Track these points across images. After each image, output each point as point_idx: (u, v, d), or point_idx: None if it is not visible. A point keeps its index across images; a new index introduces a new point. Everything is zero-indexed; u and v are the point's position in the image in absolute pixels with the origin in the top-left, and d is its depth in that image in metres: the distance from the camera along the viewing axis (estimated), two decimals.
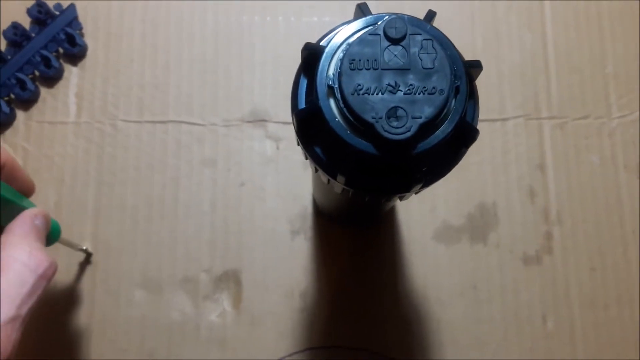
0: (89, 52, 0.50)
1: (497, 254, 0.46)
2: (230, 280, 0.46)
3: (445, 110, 0.22)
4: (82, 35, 0.50)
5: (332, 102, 0.23)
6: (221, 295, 0.46)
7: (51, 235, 0.38)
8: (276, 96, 0.49)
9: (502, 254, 0.46)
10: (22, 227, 0.33)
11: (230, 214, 0.47)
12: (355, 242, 0.47)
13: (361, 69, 0.22)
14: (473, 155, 0.47)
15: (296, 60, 0.51)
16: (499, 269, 0.46)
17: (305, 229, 0.47)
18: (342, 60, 0.23)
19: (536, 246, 0.46)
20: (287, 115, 0.49)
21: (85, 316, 0.45)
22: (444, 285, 0.46)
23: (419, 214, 0.47)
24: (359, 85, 0.22)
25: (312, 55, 0.24)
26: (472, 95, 0.24)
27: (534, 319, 0.45)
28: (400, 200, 0.28)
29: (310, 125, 0.24)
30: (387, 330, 0.45)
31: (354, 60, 0.23)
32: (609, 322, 0.45)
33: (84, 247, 0.45)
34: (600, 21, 0.50)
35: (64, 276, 0.46)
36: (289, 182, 0.48)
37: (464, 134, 0.23)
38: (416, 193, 0.27)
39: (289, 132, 0.48)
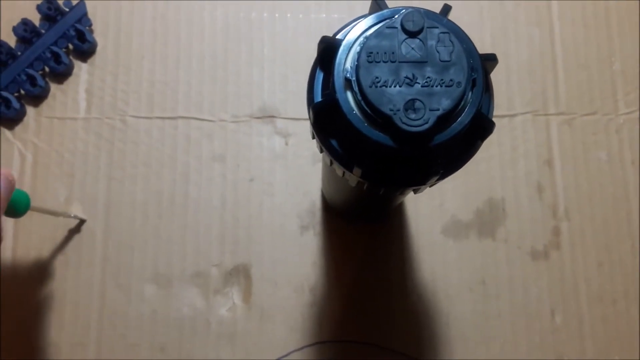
0: (99, 49, 0.50)
1: (505, 249, 0.46)
2: (240, 275, 0.46)
3: (462, 103, 0.23)
4: (91, 31, 0.50)
5: (349, 94, 0.23)
6: (231, 289, 0.46)
7: (17, 207, 0.37)
8: (285, 92, 0.49)
9: (511, 249, 0.46)
10: None
11: (239, 209, 0.47)
12: (363, 237, 0.47)
13: (379, 62, 0.23)
14: (482, 151, 0.46)
15: (305, 57, 0.51)
16: (508, 264, 0.46)
17: (314, 224, 0.47)
18: (359, 53, 0.23)
19: (544, 241, 0.47)
20: (295, 111, 0.49)
21: (96, 311, 0.45)
22: (452, 280, 0.46)
23: (428, 209, 0.47)
24: (377, 77, 0.22)
25: (328, 48, 0.24)
26: (487, 88, 0.25)
27: (542, 313, 0.45)
28: (415, 193, 0.28)
29: (326, 118, 0.24)
30: (395, 324, 0.45)
31: (371, 53, 0.23)
32: (617, 316, 0.45)
33: (72, 214, 0.45)
34: (608, 18, 0.51)
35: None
36: (297, 178, 0.48)
37: (480, 127, 0.24)
38: (430, 186, 0.27)
39: (298, 128, 0.49)
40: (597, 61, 0.50)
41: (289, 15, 0.51)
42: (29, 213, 0.39)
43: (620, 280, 0.46)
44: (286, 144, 0.48)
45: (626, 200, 0.47)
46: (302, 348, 0.45)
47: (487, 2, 0.50)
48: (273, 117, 0.49)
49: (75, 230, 0.47)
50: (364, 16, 0.25)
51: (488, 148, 0.48)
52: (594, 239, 0.47)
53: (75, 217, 0.46)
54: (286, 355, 0.45)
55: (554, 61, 0.50)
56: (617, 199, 0.47)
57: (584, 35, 0.50)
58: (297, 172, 0.48)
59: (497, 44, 0.49)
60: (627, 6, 0.51)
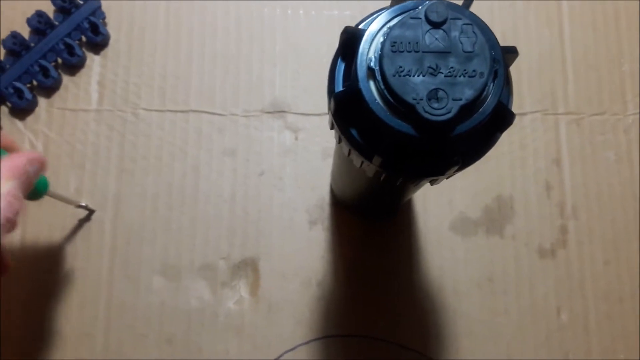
0: (112, 41, 0.50)
1: (513, 247, 0.47)
2: (248, 268, 0.46)
3: (484, 93, 0.23)
4: (105, 24, 0.50)
5: (371, 84, 0.24)
6: (239, 282, 0.46)
7: (37, 189, 0.38)
8: (296, 88, 0.50)
9: (518, 246, 0.47)
10: (11, 169, 0.33)
11: (249, 203, 0.47)
12: (372, 233, 0.47)
13: (402, 52, 0.23)
14: (491, 148, 0.47)
15: (316, 53, 0.52)
16: (515, 262, 0.46)
17: (323, 219, 0.48)
18: (383, 43, 0.23)
19: (551, 239, 0.47)
20: (306, 106, 0.49)
21: (104, 302, 0.45)
22: (460, 277, 0.46)
23: (436, 206, 0.47)
24: (401, 67, 0.23)
25: (351, 38, 0.25)
26: (507, 81, 0.25)
27: (548, 311, 0.46)
28: (432, 184, 0.28)
29: (347, 108, 0.25)
30: (402, 319, 0.46)
31: (395, 42, 0.23)
32: (623, 315, 0.46)
33: (84, 204, 0.46)
34: (617, 20, 0.51)
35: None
36: (307, 173, 0.48)
37: (501, 118, 0.24)
38: (448, 177, 0.27)
39: (308, 124, 0.49)
40: (607, 62, 0.50)
41: (301, 11, 0.51)
42: (39, 201, 0.39)
43: (626, 279, 0.46)
44: (296, 139, 0.49)
45: (634, 199, 0.48)
46: (309, 342, 0.45)
47: (498, 2, 0.51)
48: (284, 112, 0.49)
49: (85, 219, 0.47)
50: (386, 8, 0.25)
51: (497, 146, 0.48)
52: (601, 238, 0.47)
53: (86, 207, 0.46)
54: (293, 349, 0.45)
55: (564, 61, 0.50)
56: (624, 198, 0.48)
57: (594, 36, 0.51)
58: (306, 167, 0.48)
59: (507, 43, 0.49)
60: (636, 8, 0.51)
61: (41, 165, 0.35)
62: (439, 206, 0.47)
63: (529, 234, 0.47)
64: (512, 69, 0.50)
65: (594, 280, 0.46)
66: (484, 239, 0.47)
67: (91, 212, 0.47)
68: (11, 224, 0.32)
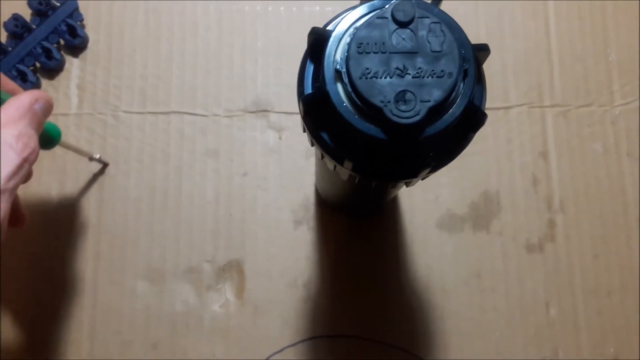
0: (90, 44, 0.49)
1: (500, 242, 0.46)
2: (233, 270, 0.46)
3: (453, 94, 0.22)
4: (83, 26, 0.49)
5: (339, 86, 0.23)
6: (224, 285, 0.46)
7: (49, 136, 0.38)
8: (278, 86, 0.49)
9: (506, 242, 0.46)
10: (19, 109, 0.32)
11: (233, 204, 0.47)
12: (358, 232, 0.47)
13: (369, 53, 0.22)
14: (476, 143, 0.46)
15: (299, 50, 0.50)
16: (503, 257, 0.46)
17: (308, 218, 0.47)
18: (349, 44, 0.23)
19: (539, 234, 0.46)
20: (289, 105, 0.49)
21: (88, 307, 0.45)
22: (447, 274, 0.46)
23: (422, 203, 0.47)
24: (367, 69, 0.22)
25: (318, 40, 0.24)
26: (479, 79, 0.24)
27: (537, 306, 0.45)
28: (407, 186, 0.28)
29: (317, 111, 0.24)
30: (390, 319, 0.45)
31: (361, 43, 0.22)
32: (612, 309, 0.45)
33: (97, 156, 0.46)
34: (604, 10, 0.50)
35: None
36: (291, 172, 0.48)
37: (472, 118, 0.23)
38: (423, 179, 0.27)
39: (291, 122, 0.48)
40: (593, 53, 0.49)
41: (282, 8, 0.50)
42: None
43: (615, 272, 0.46)
44: (280, 138, 0.48)
45: (622, 192, 0.47)
46: (296, 343, 0.45)
47: None
48: (267, 111, 0.48)
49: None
50: (354, 7, 0.25)
51: (483, 141, 0.48)
52: (589, 231, 0.46)
53: (99, 159, 0.46)
54: (280, 351, 0.45)
55: (549, 53, 0.49)
56: (612, 190, 0.47)
57: (580, 27, 0.50)
58: (290, 167, 0.48)
59: (493, 36, 0.49)
60: None
61: (47, 102, 0.35)
62: (425, 203, 0.47)
63: (516, 229, 0.46)
64: (497, 61, 0.50)
65: (583, 274, 0.46)
66: (471, 235, 0.46)
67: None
68: (29, 164, 0.32)
